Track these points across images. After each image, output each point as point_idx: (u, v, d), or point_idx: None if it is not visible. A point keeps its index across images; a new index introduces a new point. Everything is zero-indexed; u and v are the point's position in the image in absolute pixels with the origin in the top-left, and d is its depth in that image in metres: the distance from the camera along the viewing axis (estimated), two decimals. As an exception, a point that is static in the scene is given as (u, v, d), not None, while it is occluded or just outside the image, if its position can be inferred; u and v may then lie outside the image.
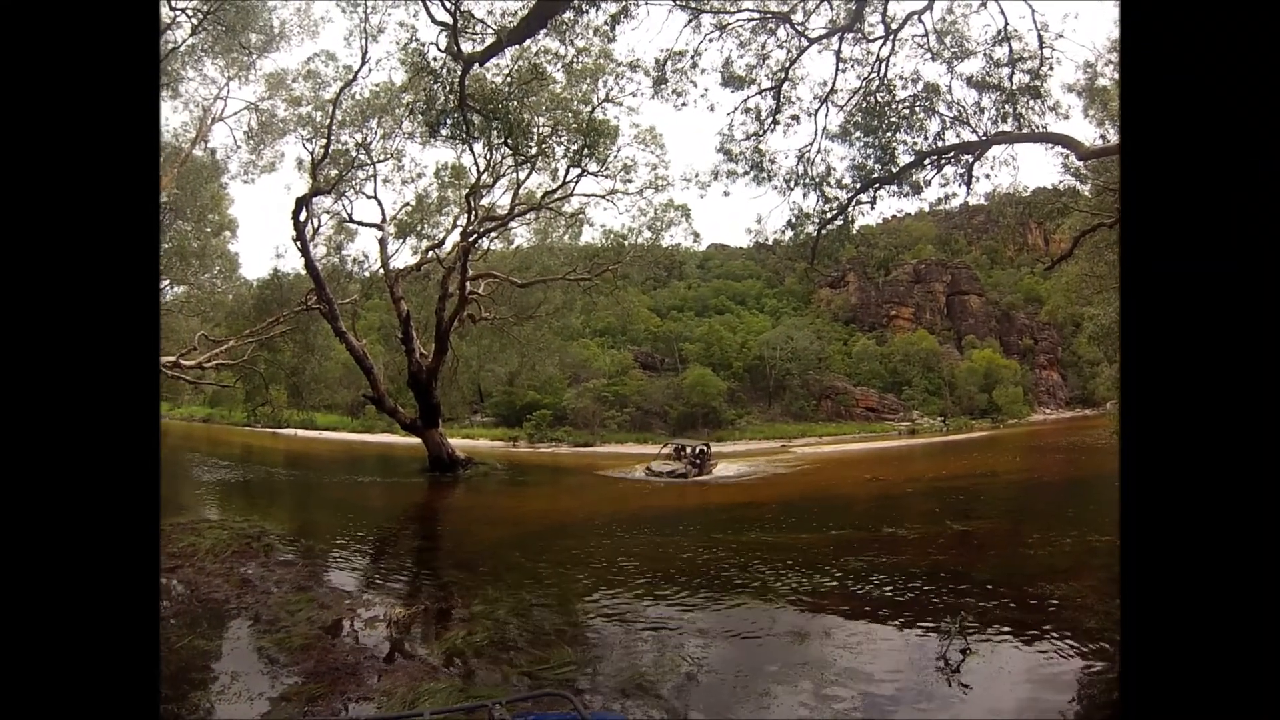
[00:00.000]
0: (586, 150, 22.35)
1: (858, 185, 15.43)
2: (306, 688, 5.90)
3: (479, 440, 43.58)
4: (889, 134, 14.39)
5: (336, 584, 9.65)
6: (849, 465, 30.55)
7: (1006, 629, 7.60)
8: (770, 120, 15.80)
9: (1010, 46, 13.62)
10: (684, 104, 16.68)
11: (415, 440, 27.36)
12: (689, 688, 6.08)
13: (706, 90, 31.65)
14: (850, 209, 15.89)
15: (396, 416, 26.86)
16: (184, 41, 17.91)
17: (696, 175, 23.61)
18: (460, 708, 4.28)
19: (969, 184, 14.88)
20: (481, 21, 14.50)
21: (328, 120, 21.85)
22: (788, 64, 14.91)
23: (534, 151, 22.27)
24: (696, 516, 17.23)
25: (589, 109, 21.43)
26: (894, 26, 13.97)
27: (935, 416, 52.89)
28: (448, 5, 13.71)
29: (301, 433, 40.76)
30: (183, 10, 16.80)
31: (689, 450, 27.97)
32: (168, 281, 28.48)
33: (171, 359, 23.78)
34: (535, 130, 21.30)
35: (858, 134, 14.82)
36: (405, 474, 25.82)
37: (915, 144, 14.53)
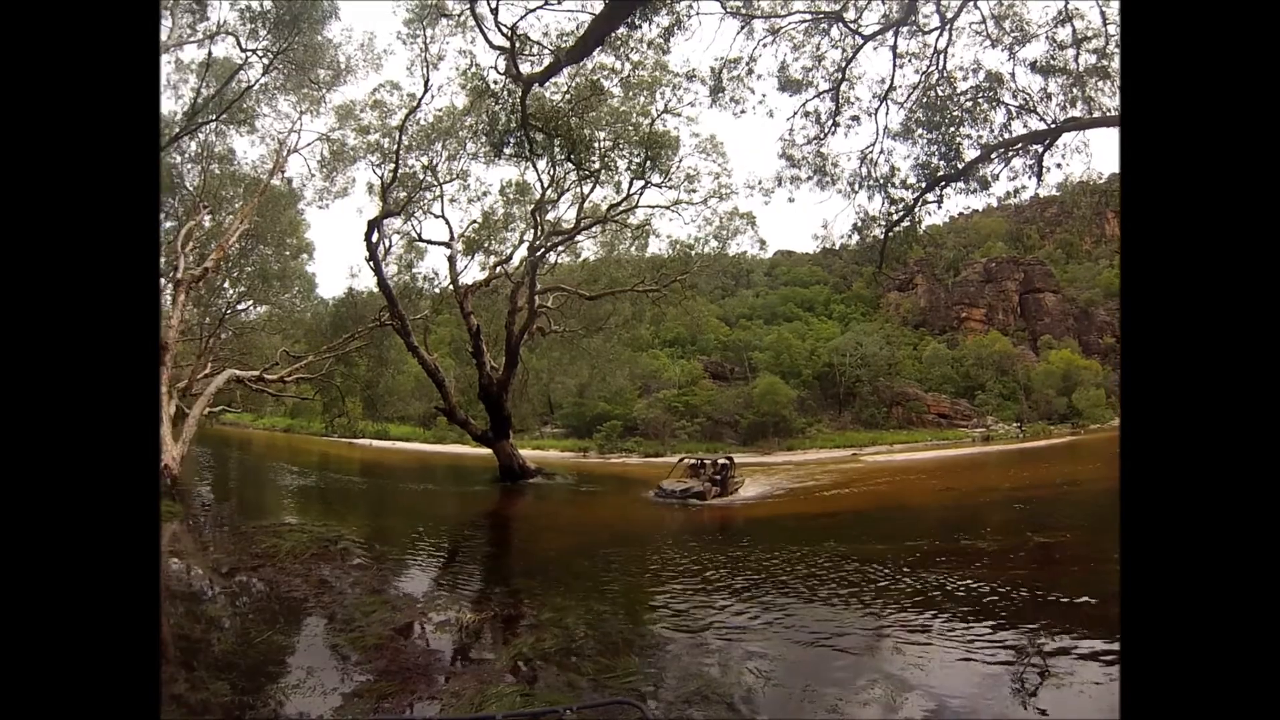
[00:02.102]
0: (649, 162, 22.56)
1: (923, 184, 15.00)
2: (378, 685, 6.06)
3: (549, 451, 44.18)
4: (952, 129, 13.90)
5: (409, 588, 9.85)
6: (920, 475, 29.30)
7: (1089, 649, 7.18)
8: (830, 123, 15.57)
9: (1073, 26, 12.97)
10: (742, 111, 16.62)
11: (486, 451, 27.86)
12: (755, 699, 6.00)
13: (764, 96, 31.21)
14: (916, 209, 15.47)
15: (468, 428, 27.52)
16: (258, 81, 19.13)
17: (760, 182, 23.40)
18: (532, 712, 4.33)
19: (1039, 175, 14.20)
20: (538, 43, 14.89)
21: (395, 146, 22.77)
22: (843, 64, 14.61)
23: (597, 166, 22.59)
24: (764, 527, 16.95)
25: (648, 121, 21.67)
26: (949, 15, 13.46)
27: (1011, 422, 50.59)
28: (504, 30, 14.10)
29: (376, 443, 42.36)
30: (254, 51, 17.88)
31: (708, 465, 24.23)
32: (251, 301, 30.33)
33: (255, 373, 25.23)
34: (597, 145, 21.62)
35: (920, 131, 14.39)
36: (476, 483, 26.32)
37: (981, 137, 13.96)
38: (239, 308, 30.82)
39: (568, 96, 19.52)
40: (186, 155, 23.65)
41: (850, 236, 16.93)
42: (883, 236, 15.92)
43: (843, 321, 66.49)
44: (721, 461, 24.19)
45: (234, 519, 15.21)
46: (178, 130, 19.47)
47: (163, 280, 24.62)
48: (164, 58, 16.54)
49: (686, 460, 25.19)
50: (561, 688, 6.06)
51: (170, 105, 25.27)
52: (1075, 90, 13.14)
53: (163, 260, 25.27)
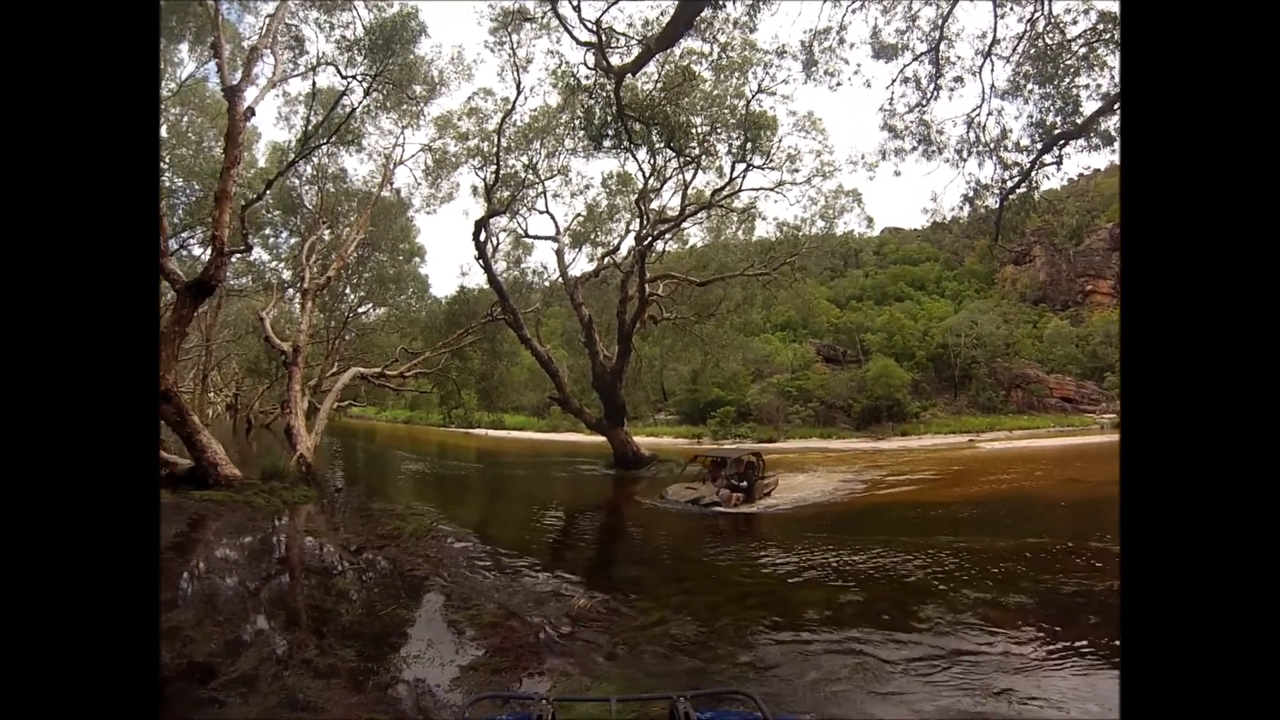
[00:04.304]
0: (749, 144, 22.25)
1: (1039, 144, 13.90)
2: (492, 660, 6.31)
3: (663, 438, 44.45)
4: (1067, 79, 12.68)
5: (524, 570, 10.13)
6: (1043, 465, 27.09)
7: None
8: (932, 87, 14.70)
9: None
10: (838, 84, 16.08)
11: (600, 439, 28.40)
12: (865, 701, 5.75)
13: (859, 66, 30.04)
14: (1033, 173, 14.38)
15: (582, 416, 28.20)
16: (360, 103, 20.44)
17: (863, 157, 22.66)
18: (646, 696, 4.35)
19: (1171, 121, 12.75)
20: (624, 35, 14.97)
21: (494, 149, 23.64)
22: (940, 21, 13.64)
23: (696, 151, 22.55)
24: (881, 514, 16.29)
25: (744, 103, 21.35)
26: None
27: (1146, 406, 46.08)
28: (589, 26, 14.25)
29: (491, 432, 44.09)
30: (354, 77, 19.22)
31: (730, 463, 19.06)
32: (371, 304, 32.53)
33: (377, 370, 27.05)
34: (694, 130, 21.54)
35: (1031, 86, 13.28)
36: (591, 470, 26.83)
37: (1100, 86, 12.58)
38: (360, 311, 33.28)
39: (660, 85, 19.54)
40: (303, 178, 25.67)
41: (961, 208, 16.01)
42: (997, 205, 14.95)
43: (956, 300, 63.26)
44: (749, 460, 19.12)
45: (361, 502, 16.30)
46: (293, 156, 21.12)
47: (291, 290, 26.83)
48: (271, 92, 17.95)
49: (705, 458, 20.76)
50: (670, 674, 6.10)
51: (284, 135, 27.55)
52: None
53: (289, 273, 27.56)
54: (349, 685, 5.56)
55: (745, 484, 17.50)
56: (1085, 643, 6.82)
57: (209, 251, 14.17)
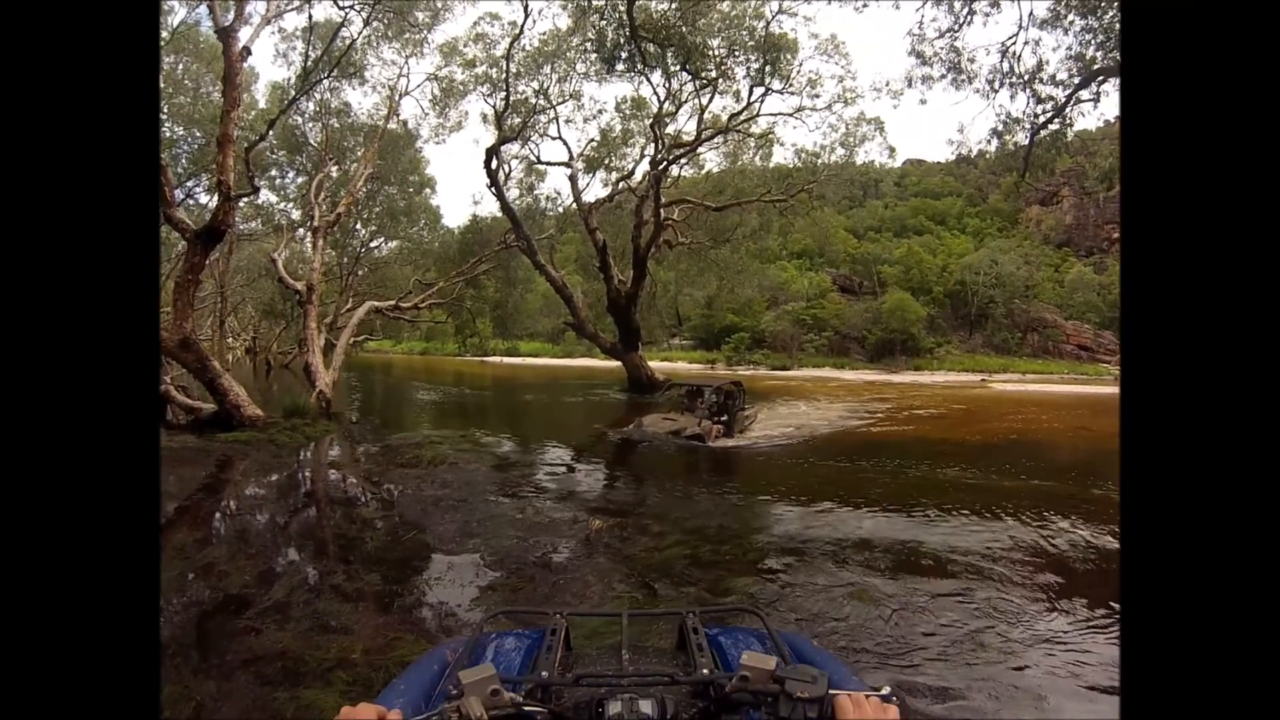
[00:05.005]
0: (768, 67, 21.66)
1: (1077, 80, 13.37)
2: (509, 581, 6.56)
3: (677, 362, 44.77)
4: (1111, 12, 12.10)
5: (540, 494, 10.38)
6: (1054, 410, 27.13)
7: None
8: (965, 11, 14.08)
9: None
10: (864, 5, 15.41)
11: (614, 363, 28.68)
12: (872, 630, 5.82)
13: (889, -14, 28.75)
14: (1068, 110, 13.87)
15: (597, 341, 28.53)
16: (360, 34, 19.63)
17: (887, 84, 21.95)
18: (656, 613, 4.50)
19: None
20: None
21: (503, 75, 23.17)
22: (978, -58, 13.06)
23: (713, 74, 21.98)
24: (894, 447, 16.35)
25: (763, 24, 20.59)
26: None
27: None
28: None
29: (506, 359, 44.55)
30: (351, 7, 18.26)
31: (707, 393, 17.44)
32: (383, 238, 32.45)
33: (392, 303, 27.21)
34: (711, 52, 20.95)
35: (1072, 16, 12.69)
36: (605, 395, 27.10)
37: None
38: (372, 245, 33.29)
39: (675, 4, 18.82)
40: (306, 116, 25.23)
41: (989, 142, 15.59)
42: (1027, 141, 14.51)
43: (977, 237, 62.24)
44: (728, 388, 17.45)
45: (380, 433, 16.67)
46: (294, 94, 20.55)
47: (301, 230, 26.76)
48: (266, 29, 16.98)
49: (678, 388, 19.38)
50: (680, 596, 6.30)
51: (283, 73, 26.61)
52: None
53: (298, 213, 27.43)
54: (376, 608, 5.84)
55: (725, 417, 16.42)
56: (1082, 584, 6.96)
57: (216, 198, 14.03)
